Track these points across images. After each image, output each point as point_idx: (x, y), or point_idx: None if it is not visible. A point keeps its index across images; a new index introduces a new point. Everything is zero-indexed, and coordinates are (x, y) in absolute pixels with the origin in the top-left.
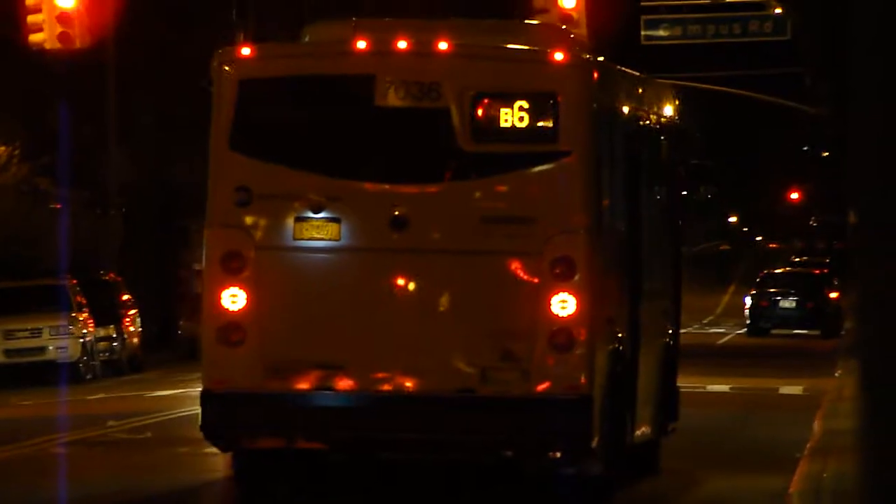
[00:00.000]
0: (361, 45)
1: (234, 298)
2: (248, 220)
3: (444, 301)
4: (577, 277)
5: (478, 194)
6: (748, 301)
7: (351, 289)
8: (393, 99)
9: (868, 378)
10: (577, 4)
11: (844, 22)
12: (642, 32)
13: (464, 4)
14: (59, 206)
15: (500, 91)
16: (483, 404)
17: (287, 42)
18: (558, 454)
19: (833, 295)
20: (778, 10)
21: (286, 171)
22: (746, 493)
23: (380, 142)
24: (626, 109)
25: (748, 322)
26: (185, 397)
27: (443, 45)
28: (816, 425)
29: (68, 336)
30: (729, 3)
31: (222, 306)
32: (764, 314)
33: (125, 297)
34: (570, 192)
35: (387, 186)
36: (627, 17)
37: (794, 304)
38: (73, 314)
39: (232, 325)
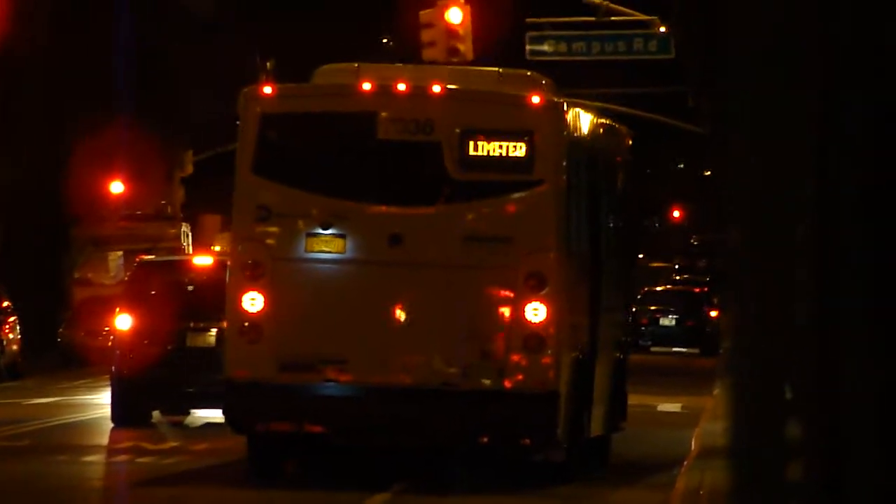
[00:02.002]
0: (366, 86)
1: (253, 302)
2: (267, 234)
3: (432, 307)
4: (547, 289)
5: (464, 216)
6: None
7: (353, 295)
8: (392, 133)
9: (736, 391)
10: (462, 20)
11: (721, 39)
12: (527, 48)
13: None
14: None
15: (485, 128)
16: (463, 397)
17: (301, 83)
18: (528, 441)
19: (713, 313)
20: (662, 29)
21: (300, 193)
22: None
23: (380, 169)
24: (588, 144)
25: None
26: (65, 405)
27: (436, 88)
28: (694, 442)
29: None
30: (614, 21)
31: (243, 308)
32: (644, 332)
33: (5, 303)
34: (543, 216)
35: (385, 208)
36: (513, 32)
37: (673, 322)
38: None
39: (251, 325)
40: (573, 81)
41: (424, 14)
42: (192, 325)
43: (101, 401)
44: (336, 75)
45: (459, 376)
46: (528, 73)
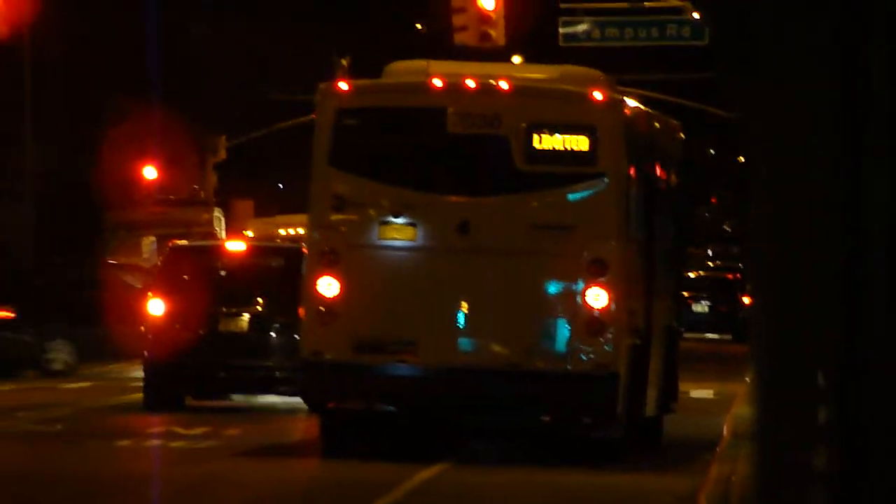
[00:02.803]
0: (437, 83)
1: (329, 286)
2: (342, 222)
3: (498, 292)
4: (608, 276)
5: (529, 205)
6: None
7: (423, 280)
8: (461, 127)
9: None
10: (495, 5)
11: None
12: (560, 33)
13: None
14: None
15: (550, 122)
16: (528, 377)
17: (374, 79)
18: (588, 420)
19: (745, 300)
20: (696, 15)
21: (374, 184)
22: (657, 494)
23: (450, 161)
24: (645, 138)
25: None
26: (97, 390)
27: (504, 85)
28: (726, 429)
29: None
30: (647, 6)
31: (319, 292)
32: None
33: None
34: (605, 206)
35: (454, 198)
36: (546, 18)
37: (706, 309)
38: None
39: (327, 308)
40: (604, 67)
41: None
42: (224, 310)
43: (133, 385)
44: (407, 72)
45: (523, 358)
46: (590, 70)
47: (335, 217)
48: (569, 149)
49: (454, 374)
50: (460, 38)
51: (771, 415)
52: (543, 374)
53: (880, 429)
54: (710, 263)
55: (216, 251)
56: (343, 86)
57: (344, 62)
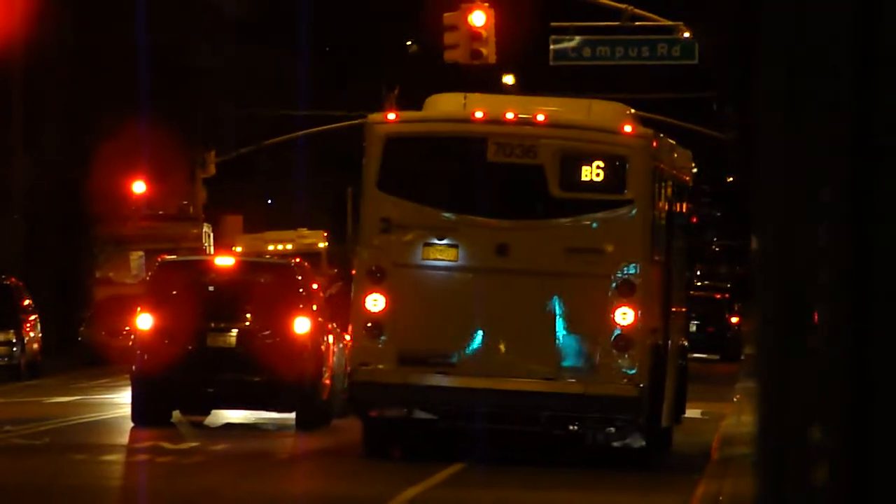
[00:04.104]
0: (479, 115)
1: (375, 302)
2: (388, 243)
3: (533, 310)
4: (635, 295)
5: (563, 230)
6: None
7: (464, 298)
8: (500, 156)
9: (764, 394)
10: (485, 23)
11: (752, 46)
12: (551, 51)
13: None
14: None
15: (583, 153)
16: (560, 389)
17: (418, 111)
18: (613, 429)
19: (734, 320)
20: (686, 35)
21: (419, 207)
22: None
23: (490, 187)
24: (666, 167)
25: None
26: (85, 404)
27: (540, 118)
28: (714, 448)
29: None
30: (638, 26)
31: (366, 308)
32: None
33: (26, 301)
34: (632, 231)
35: (494, 221)
36: (536, 36)
37: (694, 328)
38: None
39: (374, 322)
40: (593, 85)
41: (448, 17)
42: (212, 325)
43: (121, 400)
44: (446, 103)
45: (556, 371)
46: (617, 104)
47: (382, 238)
48: (600, 178)
49: (490, 386)
50: (451, 56)
51: (772, 433)
52: (574, 386)
53: (884, 445)
54: (697, 283)
55: (205, 266)
56: (391, 116)
57: (393, 93)
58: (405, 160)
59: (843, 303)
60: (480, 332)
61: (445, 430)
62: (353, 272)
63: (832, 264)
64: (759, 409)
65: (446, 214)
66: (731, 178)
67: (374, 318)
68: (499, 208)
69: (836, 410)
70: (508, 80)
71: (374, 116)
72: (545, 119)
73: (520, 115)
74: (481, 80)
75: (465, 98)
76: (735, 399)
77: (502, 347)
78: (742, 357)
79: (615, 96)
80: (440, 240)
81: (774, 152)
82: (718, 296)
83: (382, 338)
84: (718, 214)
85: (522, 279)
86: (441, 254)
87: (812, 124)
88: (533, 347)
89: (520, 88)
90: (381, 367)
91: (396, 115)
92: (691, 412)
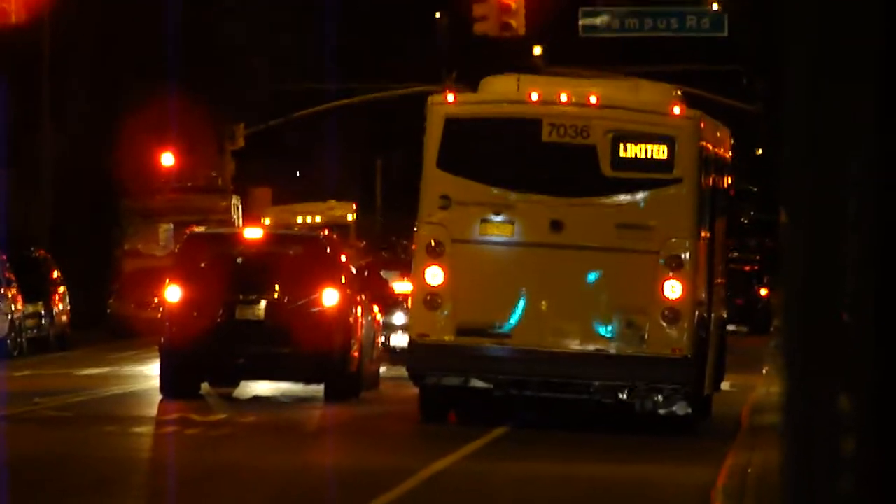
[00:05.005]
0: (534, 96)
1: (435, 275)
2: (448, 219)
3: (586, 283)
4: (682, 270)
5: (614, 207)
6: None
7: (519, 272)
8: (554, 136)
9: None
10: None
11: (778, 19)
12: (580, 23)
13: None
14: None
15: (633, 133)
16: (611, 359)
17: (475, 92)
18: (660, 398)
19: (763, 292)
20: (715, 7)
21: (477, 185)
22: (673, 483)
23: (544, 166)
24: (710, 146)
25: None
26: (114, 376)
27: (593, 99)
28: (743, 420)
29: None
30: None
31: (426, 281)
32: None
33: (55, 274)
34: (681, 208)
35: (548, 199)
36: (566, 8)
37: None
38: (2, 290)
39: (433, 295)
40: (620, 57)
41: None
42: (241, 297)
43: (149, 372)
44: (501, 84)
45: (608, 342)
46: (663, 84)
47: (441, 214)
48: (650, 157)
49: (546, 356)
50: (481, 29)
51: (799, 403)
52: (624, 356)
53: None
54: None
55: (233, 238)
56: (450, 97)
57: (452, 75)
58: (464, 140)
59: (869, 274)
60: (535, 304)
61: (497, 399)
62: (413, 247)
63: (860, 236)
64: (786, 379)
65: (503, 192)
66: (759, 151)
67: (433, 290)
68: (553, 186)
69: (863, 381)
70: (537, 51)
71: (435, 98)
72: (597, 101)
73: (572, 98)
74: (513, 50)
75: (518, 80)
76: (764, 371)
77: (555, 319)
78: (771, 329)
79: (643, 69)
80: (497, 216)
81: (802, 125)
82: (748, 268)
83: (441, 310)
84: (755, 189)
85: (575, 254)
86: (497, 229)
87: (840, 97)
88: (585, 319)
89: (548, 61)
90: (440, 337)
91: (455, 97)
92: (721, 384)
